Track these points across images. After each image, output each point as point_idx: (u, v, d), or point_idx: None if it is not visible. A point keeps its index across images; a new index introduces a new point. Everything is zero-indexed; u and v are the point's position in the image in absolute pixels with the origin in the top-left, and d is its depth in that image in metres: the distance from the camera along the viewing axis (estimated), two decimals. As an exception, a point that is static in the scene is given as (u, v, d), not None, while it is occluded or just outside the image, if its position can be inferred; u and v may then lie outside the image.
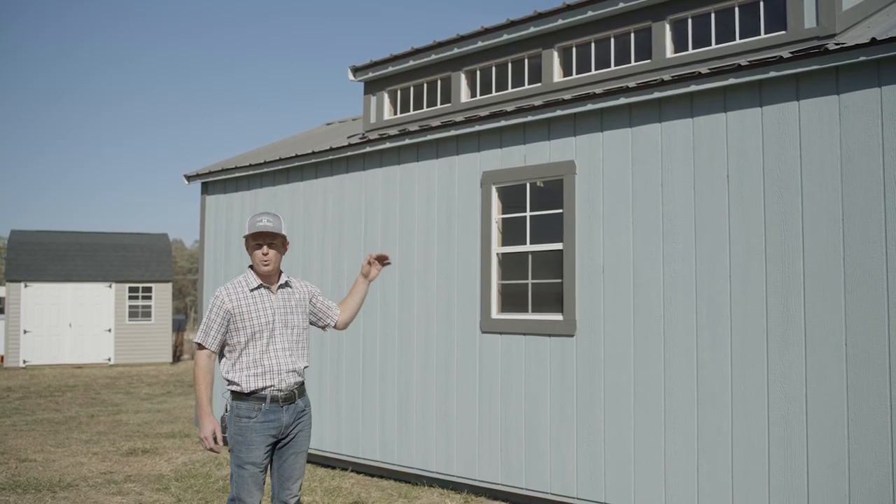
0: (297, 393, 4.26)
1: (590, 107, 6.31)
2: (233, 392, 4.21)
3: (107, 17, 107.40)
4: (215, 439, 4.14)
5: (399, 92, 8.65)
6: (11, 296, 22.50)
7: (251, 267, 4.30)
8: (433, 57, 8.03)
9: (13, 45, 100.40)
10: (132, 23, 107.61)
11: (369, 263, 4.56)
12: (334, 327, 4.59)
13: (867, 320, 5.01)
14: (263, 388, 4.14)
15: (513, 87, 7.57)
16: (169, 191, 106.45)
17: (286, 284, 4.37)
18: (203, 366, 4.17)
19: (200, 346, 4.20)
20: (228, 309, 4.17)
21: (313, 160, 8.60)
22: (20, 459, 8.68)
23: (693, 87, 5.74)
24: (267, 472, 4.27)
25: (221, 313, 4.17)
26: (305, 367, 4.34)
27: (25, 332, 22.49)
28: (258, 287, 4.25)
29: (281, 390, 4.18)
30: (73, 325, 23.02)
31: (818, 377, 5.19)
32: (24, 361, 22.39)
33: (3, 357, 22.96)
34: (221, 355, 4.28)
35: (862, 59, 5.02)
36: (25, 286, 22.59)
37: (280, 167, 8.95)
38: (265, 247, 4.21)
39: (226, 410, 4.27)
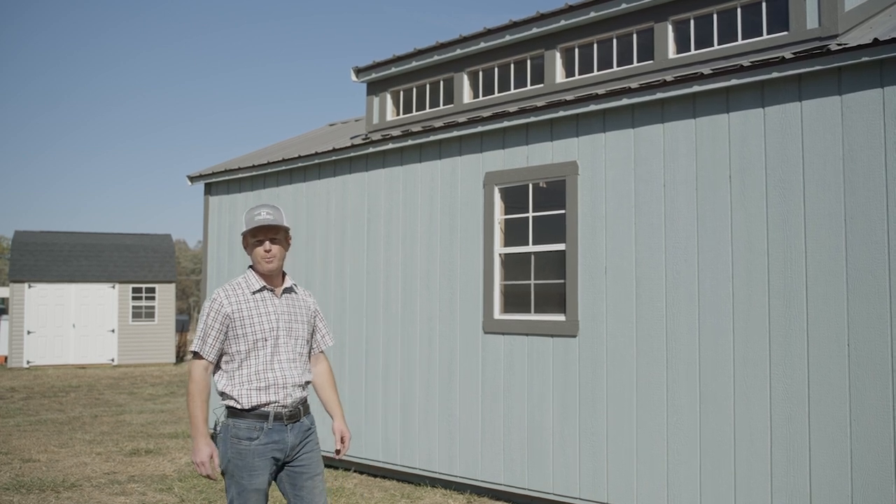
0: (301, 410, 3.79)
1: (592, 107, 6.32)
2: (229, 408, 3.70)
3: (107, 16, 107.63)
4: (213, 468, 3.65)
5: (402, 93, 8.66)
6: (15, 296, 22.54)
7: (251, 267, 3.84)
8: (436, 58, 8.04)
9: (16, 44, 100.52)
10: (132, 23, 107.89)
11: (338, 437, 3.96)
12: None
13: (870, 321, 5.01)
14: (266, 405, 3.66)
15: (515, 88, 7.57)
16: (171, 191, 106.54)
17: (291, 290, 3.91)
18: (199, 380, 3.69)
19: (197, 356, 3.72)
20: (227, 313, 3.70)
21: (316, 161, 8.62)
22: (24, 460, 8.70)
23: (695, 88, 5.75)
24: (268, 499, 3.79)
25: (220, 318, 3.69)
26: (309, 383, 3.90)
27: (29, 332, 22.53)
28: (261, 290, 3.79)
29: (286, 406, 3.70)
30: (77, 325, 23.05)
31: (821, 378, 5.19)
32: (28, 362, 22.42)
33: (6, 357, 22.99)
34: (217, 367, 3.78)
35: (864, 59, 5.02)
36: (29, 287, 22.62)
37: (283, 168, 8.96)
38: (267, 242, 3.74)
39: (215, 429, 3.78)
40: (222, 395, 3.74)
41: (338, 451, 3.97)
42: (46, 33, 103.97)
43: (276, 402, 3.68)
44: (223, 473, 3.71)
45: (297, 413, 3.76)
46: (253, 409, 3.66)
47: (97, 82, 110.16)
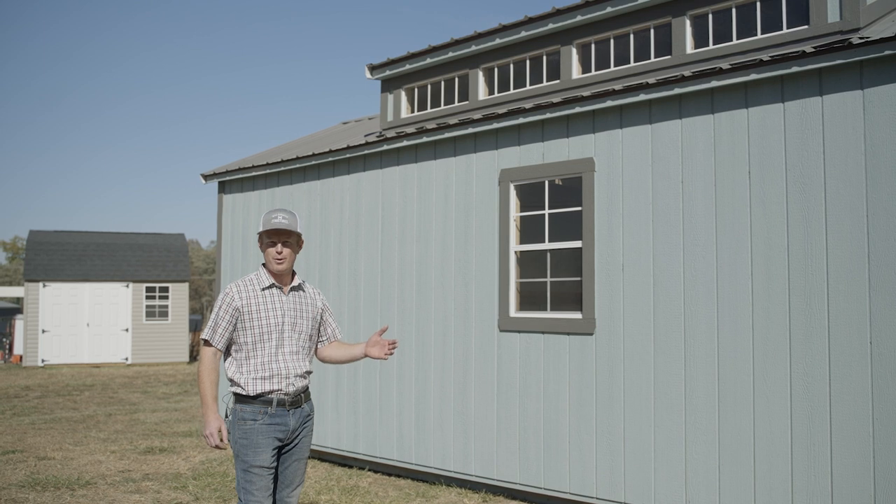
0: (303, 397, 4.15)
1: (609, 104, 6.26)
2: (236, 395, 4.08)
3: (121, 12, 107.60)
4: (221, 438, 3.98)
5: (416, 90, 8.62)
6: (30, 295, 22.66)
7: (264, 265, 4.18)
8: (451, 54, 8.00)
9: (16, 44, 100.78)
10: (143, 19, 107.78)
11: (376, 343, 4.31)
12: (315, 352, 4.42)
13: (893, 318, 4.94)
14: (270, 392, 4.02)
15: (531, 85, 7.52)
16: (184, 192, 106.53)
17: (299, 287, 4.24)
18: (208, 363, 4.04)
19: (207, 343, 4.07)
20: (238, 306, 4.05)
21: (330, 159, 8.59)
22: (39, 457, 8.72)
23: (714, 83, 5.68)
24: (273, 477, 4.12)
25: (231, 311, 4.05)
26: (310, 373, 4.23)
27: (44, 331, 22.64)
28: (270, 286, 4.12)
29: (288, 394, 4.05)
30: (91, 324, 23.15)
31: (842, 376, 5.12)
32: (43, 361, 22.53)
33: (21, 356, 23.12)
34: (227, 354, 4.15)
35: (887, 52, 4.94)
36: (44, 286, 22.74)
37: (297, 166, 8.94)
38: (279, 245, 4.08)
39: (226, 415, 4.12)
40: (231, 381, 4.10)
41: (392, 345, 4.31)
42: (46, 33, 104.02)
43: (279, 391, 4.04)
44: (235, 455, 4.06)
45: (299, 400, 4.14)
46: (258, 395, 4.03)
47: (111, 79, 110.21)
